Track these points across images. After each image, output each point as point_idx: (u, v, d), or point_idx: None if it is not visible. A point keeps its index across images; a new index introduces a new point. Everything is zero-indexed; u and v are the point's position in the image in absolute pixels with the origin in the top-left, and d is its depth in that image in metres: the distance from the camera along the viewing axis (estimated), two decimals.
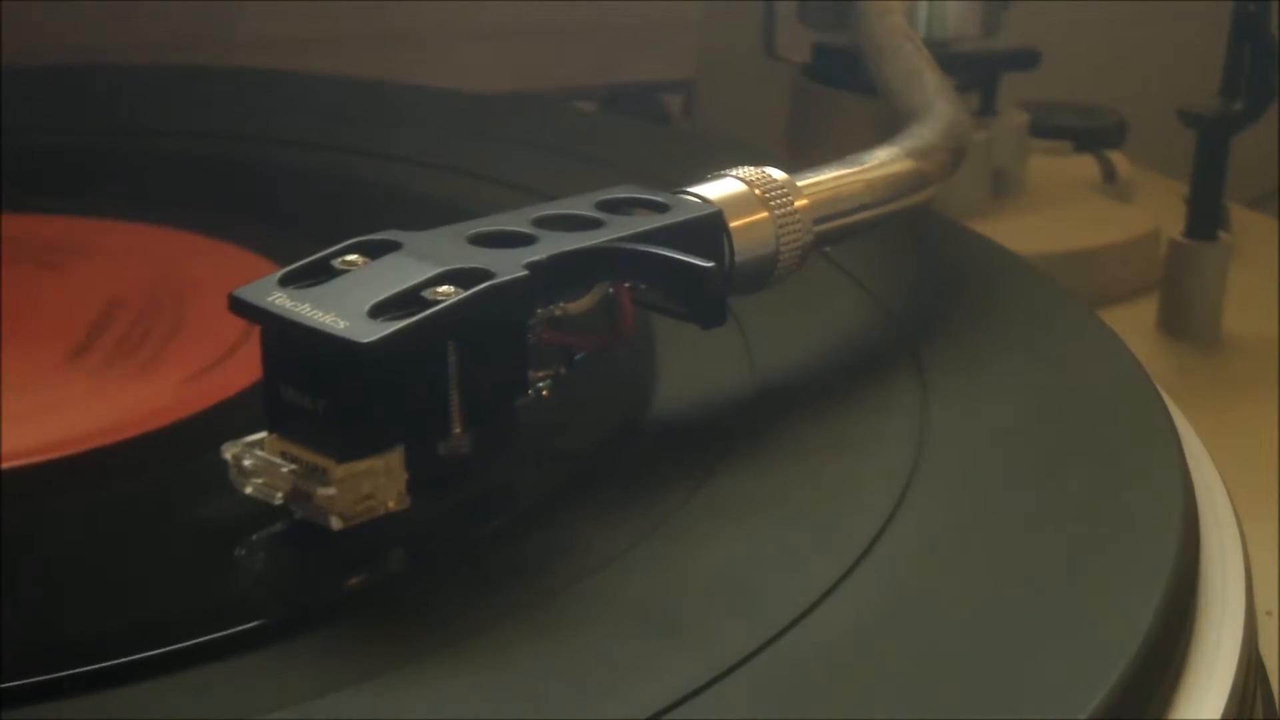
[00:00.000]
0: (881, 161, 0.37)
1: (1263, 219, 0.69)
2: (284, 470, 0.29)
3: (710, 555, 0.29)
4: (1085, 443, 0.33)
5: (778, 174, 0.34)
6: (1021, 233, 0.55)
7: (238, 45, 0.72)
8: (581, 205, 0.33)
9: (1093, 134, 0.70)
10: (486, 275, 0.29)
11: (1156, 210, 0.64)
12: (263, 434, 0.29)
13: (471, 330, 0.29)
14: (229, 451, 0.29)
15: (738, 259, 0.33)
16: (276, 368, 0.29)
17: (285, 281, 0.29)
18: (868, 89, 0.50)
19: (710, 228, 0.33)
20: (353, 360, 0.28)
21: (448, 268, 0.29)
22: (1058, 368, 0.37)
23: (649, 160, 0.51)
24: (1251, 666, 0.29)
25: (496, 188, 0.47)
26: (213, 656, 0.26)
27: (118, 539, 0.30)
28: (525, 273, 0.29)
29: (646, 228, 0.32)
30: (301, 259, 0.30)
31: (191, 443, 0.33)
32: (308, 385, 0.28)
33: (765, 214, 0.34)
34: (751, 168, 0.34)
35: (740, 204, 0.33)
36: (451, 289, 0.29)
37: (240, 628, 0.26)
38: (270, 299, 0.29)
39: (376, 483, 0.29)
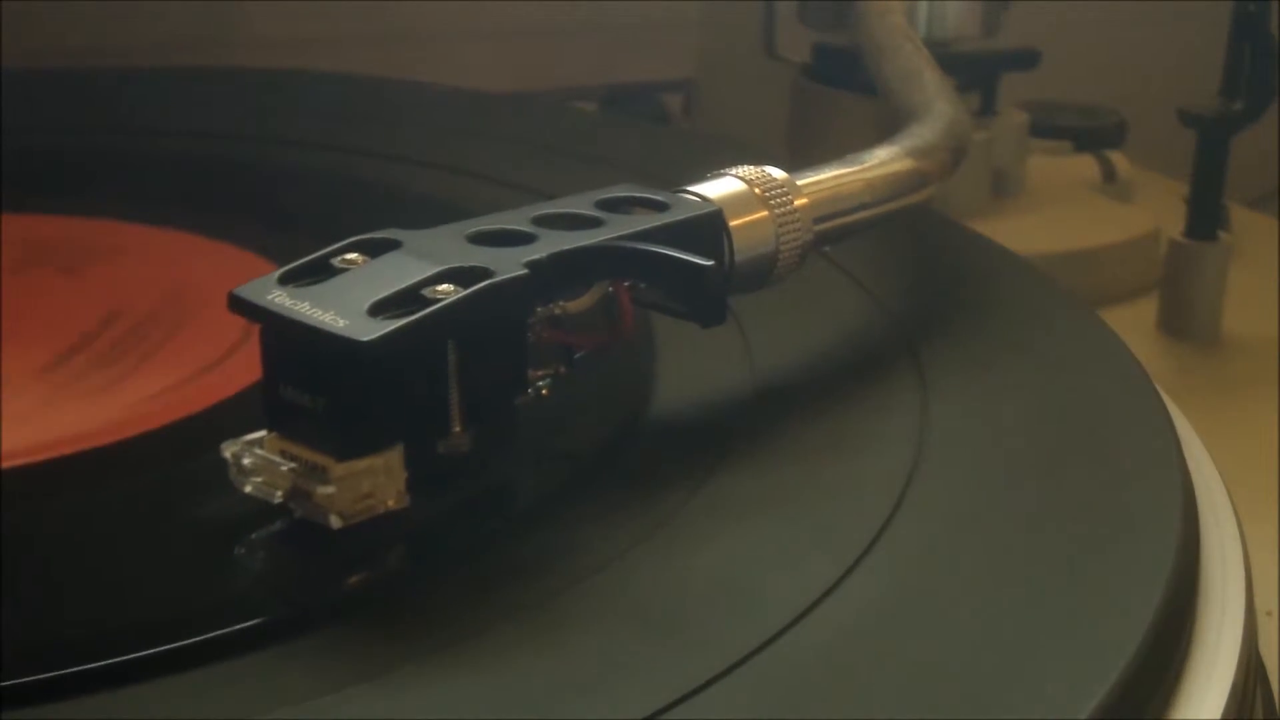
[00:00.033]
0: (881, 161, 0.37)
1: (1263, 219, 0.69)
2: (283, 469, 0.29)
3: (710, 555, 0.29)
4: (1085, 443, 0.33)
5: (777, 173, 0.34)
6: (1021, 233, 0.55)
7: (238, 45, 0.72)
8: (581, 204, 0.32)
9: (1093, 134, 0.70)
10: (486, 274, 0.29)
11: (1156, 210, 0.64)
12: (262, 432, 0.29)
13: (471, 329, 0.29)
14: (228, 450, 0.29)
15: (737, 258, 0.33)
16: (276, 366, 0.29)
17: (285, 280, 0.29)
18: (868, 89, 0.50)
19: (710, 226, 0.33)
20: (352, 358, 0.28)
21: (447, 266, 0.29)
22: (1058, 368, 0.37)
23: (649, 160, 0.51)
24: (1251, 666, 0.29)
25: (496, 188, 0.47)
26: (212, 656, 0.26)
27: (117, 538, 0.30)
28: (525, 271, 0.29)
29: (646, 226, 0.32)
30: (301, 259, 0.30)
31: (191, 442, 0.33)
32: (307, 384, 0.28)
33: (765, 213, 0.33)
34: (751, 167, 0.34)
35: (740, 203, 0.33)
36: (451, 287, 0.29)
37: (240, 626, 0.26)
38: (270, 297, 0.29)
39: (376, 481, 0.29)
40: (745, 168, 0.34)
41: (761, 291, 0.34)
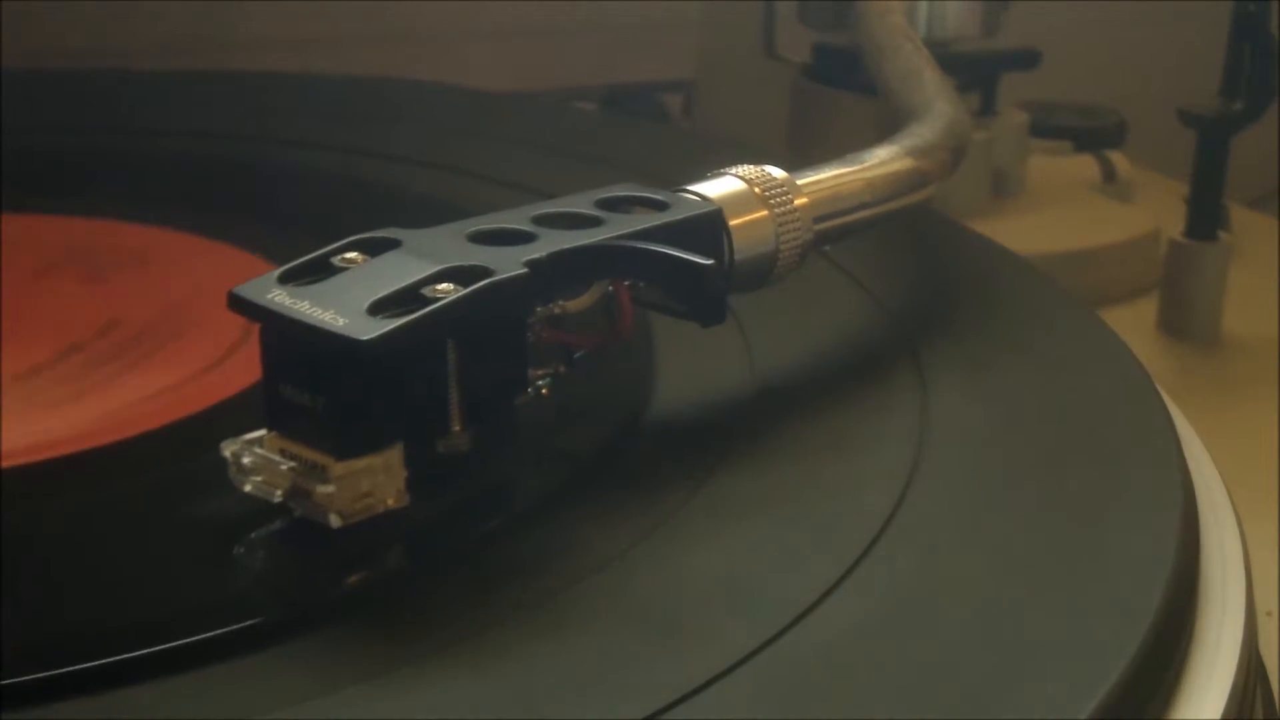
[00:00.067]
0: (881, 160, 0.37)
1: (1263, 219, 0.69)
2: (283, 468, 0.28)
3: (710, 555, 0.29)
4: (1085, 443, 0.33)
5: (777, 172, 0.34)
6: (1021, 233, 0.55)
7: (238, 46, 0.72)
8: (581, 203, 0.32)
9: (1093, 134, 0.70)
10: (486, 273, 0.29)
11: (1156, 210, 0.64)
12: (262, 431, 0.29)
13: (471, 328, 0.29)
14: (228, 449, 0.29)
15: (737, 257, 0.33)
16: (276, 365, 0.29)
17: (284, 279, 0.29)
18: (868, 89, 0.50)
19: (710, 226, 0.33)
20: (352, 357, 0.27)
21: (447, 265, 0.29)
22: (1058, 368, 0.37)
23: (649, 160, 0.51)
24: (1251, 666, 0.29)
25: (496, 188, 0.47)
26: (212, 655, 0.26)
27: (117, 538, 0.30)
28: (525, 270, 0.29)
29: (646, 225, 0.32)
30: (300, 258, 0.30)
31: (191, 442, 0.33)
32: (307, 383, 0.28)
33: (765, 212, 0.33)
34: (751, 166, 0.34)
35: (740, 202, 0.33)
36: (451, 287, 0.29)
37: (239, 626, 0.26)
38: (269, 296, 0.29)
39: (375, 480, 0.29)
40: (745, 167, 0.34)
41: (761, 291, 0.34)
